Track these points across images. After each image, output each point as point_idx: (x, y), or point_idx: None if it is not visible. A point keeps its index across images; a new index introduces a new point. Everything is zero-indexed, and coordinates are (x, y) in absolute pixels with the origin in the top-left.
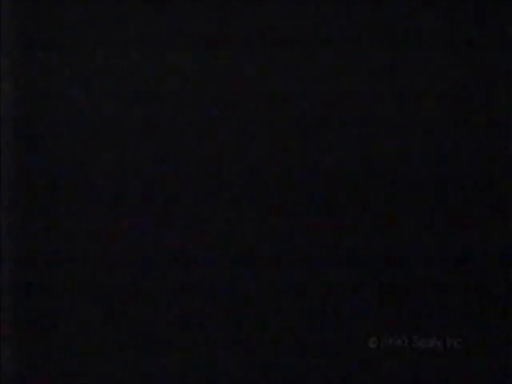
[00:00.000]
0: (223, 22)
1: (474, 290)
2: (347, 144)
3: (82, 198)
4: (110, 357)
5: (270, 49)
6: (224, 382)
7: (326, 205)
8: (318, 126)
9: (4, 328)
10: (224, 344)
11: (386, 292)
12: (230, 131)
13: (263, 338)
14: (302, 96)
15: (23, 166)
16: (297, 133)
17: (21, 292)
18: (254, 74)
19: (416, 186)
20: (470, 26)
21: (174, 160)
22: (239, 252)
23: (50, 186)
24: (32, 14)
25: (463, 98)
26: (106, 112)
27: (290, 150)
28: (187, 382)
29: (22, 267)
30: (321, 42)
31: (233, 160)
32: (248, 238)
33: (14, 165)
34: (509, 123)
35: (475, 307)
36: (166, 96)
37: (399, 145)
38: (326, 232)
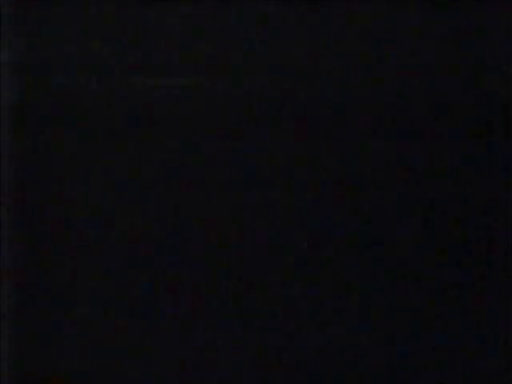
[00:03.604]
0: None
1: None
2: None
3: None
4: (109, 357)
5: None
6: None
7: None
8: None
9: (4, 327)
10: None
11: None
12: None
13: None
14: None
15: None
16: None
17: (21, 292)
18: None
19: None
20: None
21: (175, 157)
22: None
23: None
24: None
25: None
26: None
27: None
28: (186, 381)
29: (21, 267)
30: None
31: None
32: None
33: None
34: None
35: None
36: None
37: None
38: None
